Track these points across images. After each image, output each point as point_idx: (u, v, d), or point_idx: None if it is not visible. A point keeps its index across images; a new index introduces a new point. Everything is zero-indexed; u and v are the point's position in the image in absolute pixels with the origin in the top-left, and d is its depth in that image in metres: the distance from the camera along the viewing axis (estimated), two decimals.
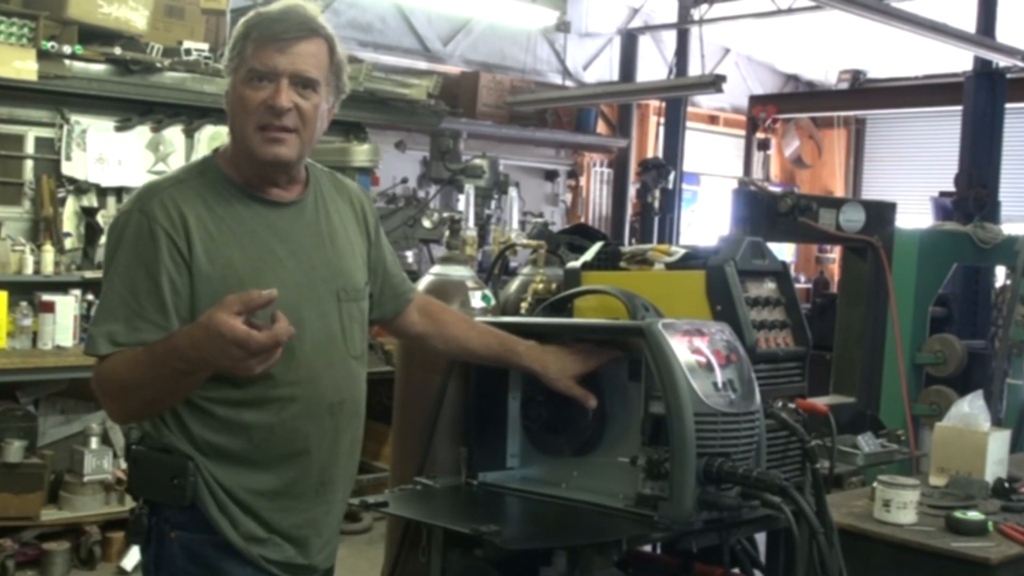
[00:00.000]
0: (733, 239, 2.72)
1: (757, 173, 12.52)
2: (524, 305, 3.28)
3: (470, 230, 5.80)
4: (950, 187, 9.59)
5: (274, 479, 2.05)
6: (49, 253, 5.58)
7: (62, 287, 5.57)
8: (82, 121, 5.94)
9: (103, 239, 5.80)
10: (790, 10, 10.20)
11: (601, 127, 11.78)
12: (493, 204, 8.36)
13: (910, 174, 13.05)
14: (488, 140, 9.94)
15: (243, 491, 2.03)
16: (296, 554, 2.10)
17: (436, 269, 3.07)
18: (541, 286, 3.33)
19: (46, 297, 5.44)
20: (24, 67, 5.38)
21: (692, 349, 2.18)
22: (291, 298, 2.03)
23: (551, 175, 11.59)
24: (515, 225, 7.64)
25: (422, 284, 2.91)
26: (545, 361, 2.34)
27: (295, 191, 2.13)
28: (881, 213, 4.44)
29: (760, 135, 12.70)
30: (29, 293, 5.48)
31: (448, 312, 2.49)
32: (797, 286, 3.44)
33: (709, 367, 2.18)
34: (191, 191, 2.02)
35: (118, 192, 6.08)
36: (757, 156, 12.80)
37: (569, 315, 2.66)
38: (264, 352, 1.75)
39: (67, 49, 5.53)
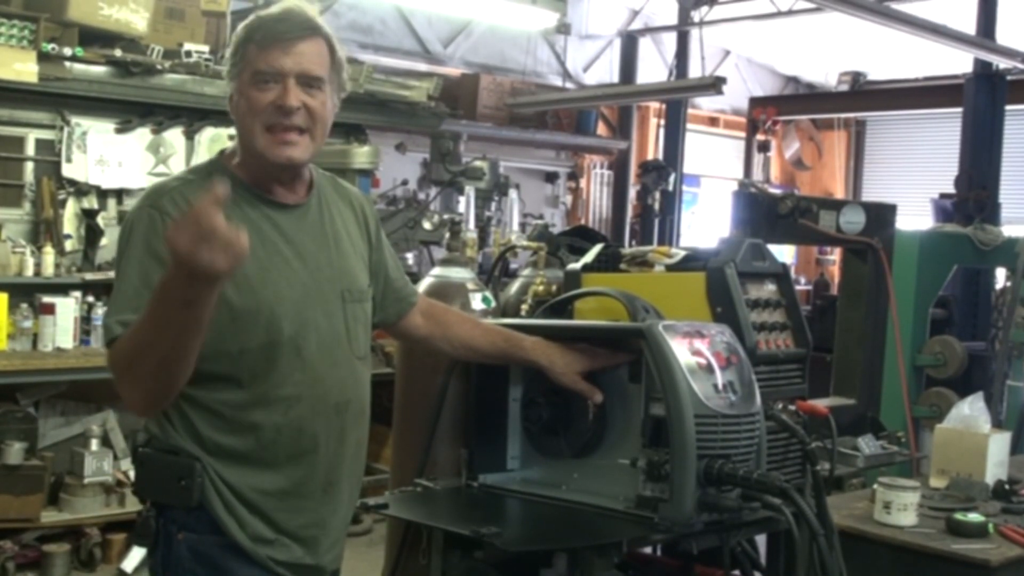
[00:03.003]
0: (733, 241, 2.72)
1: (757, 175, 12.51)
2: (524, 307, 3.29)
3: (470, 232, 5.81)
4: (950, 189, 9.59)
5: (281, 479, 2.05)
6: (49, 255, 5.58)
7: (62, 289, 5.57)
8: (82, 123, 5.94)
9: (104, 241, 5.82)
10: (790, 12, 10.20)
11: (601, 129, 11.78)
12: (493, 206, 8.36)
13: (910, 176, 13.05)
14: (488, 142, 9.94)
15: (250, 491, 2.03)
16: (304, 554, 2.10)
17: (436, 271, 3.07)
18: (541, 288, 3.33)
19: (46, 299, 5.44)
20: (24, 69, 5.38)
21: (692, 351, 2.18)
22: (297, 298, 2.05)
23: (551, 177, 11.60)
24: (515, 227, 7.64)
25: (422, 286, 2.91)
26: (551, 356, 2.34)
27: (300, 193, 2.14)
28: (881, 215, 4.44)
29: (760, 137, 12.70)
30: (29, 295, 5.48)
31: (451, 313, 2.49)
32: (797, 288, 3.44)
33: (709, 369, 2.18)
34: (199, 190, 2.03)
35: (118, 194, 6.08)
36: (757, 158, 12.79)
37: (569, 317, 2.67)
38: (213, 229, 1.69)
39: (67, 51, 5.53)
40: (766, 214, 4.10)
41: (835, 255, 12.24)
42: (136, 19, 5.77)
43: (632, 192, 11.74)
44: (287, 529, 2.07)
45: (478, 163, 8.19)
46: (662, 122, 11.68)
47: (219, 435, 2.02)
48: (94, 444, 5.29)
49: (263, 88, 2.00)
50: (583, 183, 11.80)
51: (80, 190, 5.95)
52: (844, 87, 13.41)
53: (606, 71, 11.98)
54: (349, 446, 2.14)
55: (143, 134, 6.17)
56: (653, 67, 12.12)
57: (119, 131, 6.09)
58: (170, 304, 1.78)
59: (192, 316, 1.80)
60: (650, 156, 11.79)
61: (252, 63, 2.00)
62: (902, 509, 2.97)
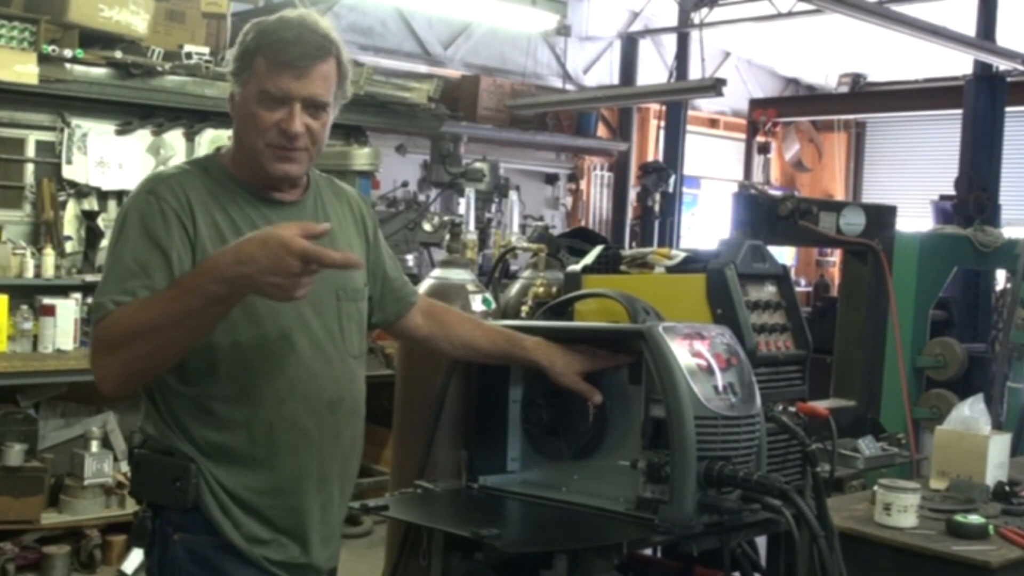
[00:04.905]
0: (733, 242, 2.72)
1: (757, 177, 12.53)
2: (525, 309, 3.30)
3: (471, 234, 5.80)
4: (950, 190, 9.60)
5: (275, 476, 2.05)
6: (50, 256, 5.58)
7: (63, 290, 5.57)
8: (83, 125, 5.94)
9: (104, 242, 5.81)
10: (790, 13, 10.21)
11: (601, 131, 11.79)
12: (493, 208, 8.36)
13: (910, 177, 13.07)
14: (488, 144, 9.95)
15: (245, 490, 2.03)
16: (299, 554, 2.10)
17: (436, 273, 3.08)
18: (541, 290, 3.34)
19: (47, 300, 5.44)
20: (25, 71, 5.38)
21: (693, 352, 2.18)
22: None
23: (551, 179, 11.61)
24: (515, 229, 7.63)
25: (422, 288, 2.92)
26: (552, 356, 2.34)
27: (295, 193, 2.15)
28: (881, 216, 4.44)
29: (760, 139, 12.72)
30: (30, 296, 5.48)
31: (452, 313, 2.49)
32: (797, 290, 3.44)
33: (709, 370, 2.18)
34: (196, 180, 2.05)
35: (119, 195, 6.07)
36: (757, 159, 12.81)
37: (570, 319, 2.66)
38: (310, 273, 1.79)
39: (68, 53, 5.53)
40: (766, 216, 4.10)
41: (835, 257, 12.25)
42: (136, 21, 5.78)
43: (632, 194, 11.75)
44: (282, 527, 2.07)
45: (478, 165, 8.19)
46: (662, 124, 11.69)
47: (212, 433, 2.02)
48: (94, 446, 5.29)
49: (269, 108, 2.00)
50: (583, 185, 11.81)
51: (80, 192, 5.95)
52: (844, 89, 13.42)
53: (606, 73, 11.99)
54: (343, 444, 2.15)
55: (143, 136, 6.17)
56: (653, 69, 12.13)
57: (119, 133, 6.09)
58: (203, 296, 1.81)
59: (217, 312, 1.85)
60: (650, 158, 11.80)
61: (260, 80, 2.00)
62: (902, 511, 2.97)
